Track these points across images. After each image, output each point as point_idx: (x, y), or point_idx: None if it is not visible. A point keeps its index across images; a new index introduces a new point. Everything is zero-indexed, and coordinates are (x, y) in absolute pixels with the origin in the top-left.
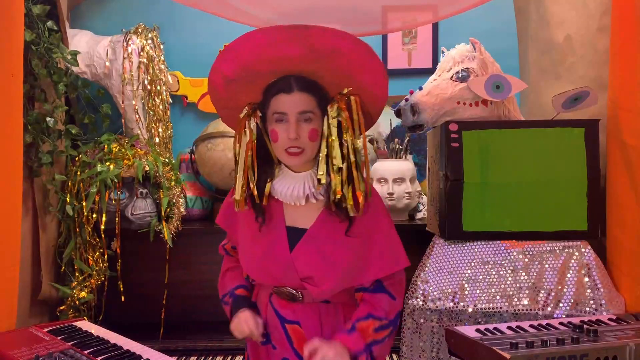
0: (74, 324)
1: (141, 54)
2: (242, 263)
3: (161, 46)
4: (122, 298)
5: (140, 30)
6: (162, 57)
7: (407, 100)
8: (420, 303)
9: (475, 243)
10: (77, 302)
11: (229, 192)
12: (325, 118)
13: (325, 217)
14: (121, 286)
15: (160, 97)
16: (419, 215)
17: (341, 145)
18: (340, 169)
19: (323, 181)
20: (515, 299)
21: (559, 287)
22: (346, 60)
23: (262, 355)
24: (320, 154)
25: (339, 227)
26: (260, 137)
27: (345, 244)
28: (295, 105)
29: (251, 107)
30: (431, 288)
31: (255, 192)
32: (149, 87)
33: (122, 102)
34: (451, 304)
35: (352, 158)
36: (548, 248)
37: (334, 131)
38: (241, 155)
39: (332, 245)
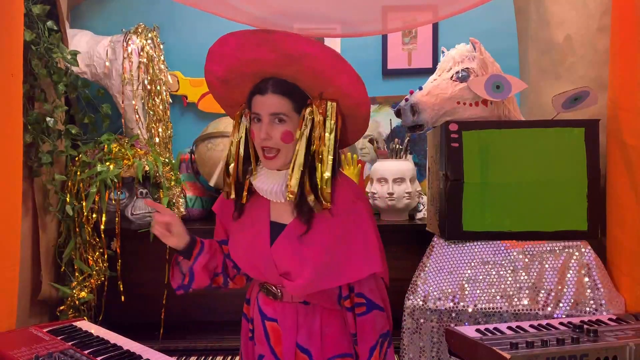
0: (74, 324)
1: (141, 54)
2: (231, 253)
3: (161, 46)
4: (122, 298)
5: (140, 30)
6: (162, 57)
7: (407, 100)
8: (420, 303)
9: (475, 243)
10: (77, 302)
11: None
12: (300, 121)
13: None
14: (121, 286)
15: (160, 97)
16: (419, 215)
17: (309, 146)
18: (302, 170)
19: (290, 183)
20: (515, 299)
21: (559, 287)
22: (316, 65)
23: (249, 351)
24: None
25: (316, 225)
26: (247, 135)
27: (318, 242)
28: (268, 107)
29: (243, 107)
30: (431, 288)
31: (232, 187)
32: (149, 87)
33: (122, 102)
34: (451, 304)
35: (320, 157)
36: (548, 248)
37: (305, 132)
38: (230, 150)
39: (307, 241)
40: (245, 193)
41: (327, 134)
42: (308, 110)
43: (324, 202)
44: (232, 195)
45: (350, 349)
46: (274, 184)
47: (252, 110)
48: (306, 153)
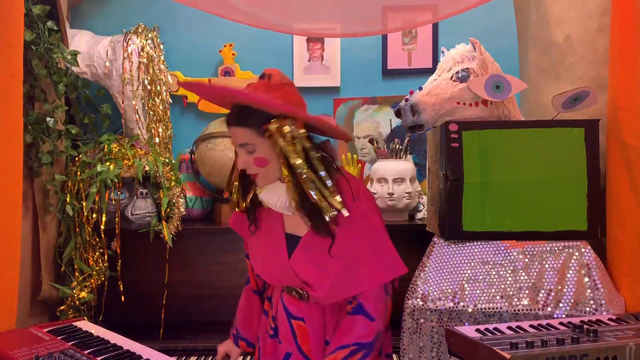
0: (74, 324)
1: (141, 54)
2: (253, 265)
3: (161, 46)
4: (122, 298)
5: (140, 30)
6: (162, 57)
7: (407, 100)
8: (420, 303)
9: (475, 243)
10: (77, 302)
11: None
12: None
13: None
14: (121, 286)
15: (160, 97)
16: (419, 215)
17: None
18: (296, 186)
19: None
20: (515, 299)
21: (559, 287)
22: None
23: (269, 349)
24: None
25: (325, 241)
26: None
27: (335, 253)
28: (235, 139)
29: None
30: (431, 288)
31: (236, 201)
32: (149, 87)
33: (122, 102)
34: (451, 304)
35: (299, 177)
36: (548, 248)
37: (277, 151)
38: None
39: (323, 253)
40: (244, 202)
41: (291, 147)
42: (267, 132)
43: (327, 209)
44: (238, 207)
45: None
46: (279, 198)
47: None
48: (291, 168)
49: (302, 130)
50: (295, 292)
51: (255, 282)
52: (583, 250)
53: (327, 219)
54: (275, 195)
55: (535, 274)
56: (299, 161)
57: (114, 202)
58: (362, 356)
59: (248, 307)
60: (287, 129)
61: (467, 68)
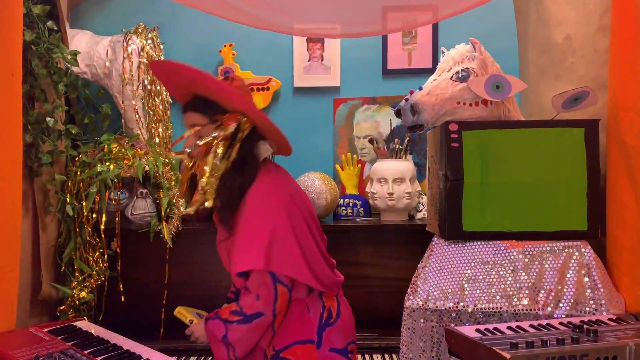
0: (74, 324)
1: (141, 54)
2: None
3: (161, 46)
4: (122, 298)
5: (140, 30)
6: (162, 57)
7: (407, 100)
8: (420, 303)
9: (475, 243)
10: (77, 302)
11: None
12: None
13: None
14: (121, 286)
15: (160, 97)
16: (419, 215)
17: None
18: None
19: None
20: (515, 299)
21: (559, 287)
22: (203, 87)
23: None
24: None
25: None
26: None
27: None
28: (187, 120)
29: None
30: (431, 288)
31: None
32: (149, 87)
33: (122, 102)
34: (451, 304)
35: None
36: (548, 248)
37: (215, 147)
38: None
39: (229, 243)
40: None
41: (233, 147)
42: (217, 124)
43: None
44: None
45: (311, 335)
46: None
47: None
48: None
49: (245, 130)
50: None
51: None
52: (583, 250)
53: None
54: None
55: (535, 274)
56: (215, 156)
57: (114, 202)
58: (239, 320)
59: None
60: (233, 124)
61: (467, 68)
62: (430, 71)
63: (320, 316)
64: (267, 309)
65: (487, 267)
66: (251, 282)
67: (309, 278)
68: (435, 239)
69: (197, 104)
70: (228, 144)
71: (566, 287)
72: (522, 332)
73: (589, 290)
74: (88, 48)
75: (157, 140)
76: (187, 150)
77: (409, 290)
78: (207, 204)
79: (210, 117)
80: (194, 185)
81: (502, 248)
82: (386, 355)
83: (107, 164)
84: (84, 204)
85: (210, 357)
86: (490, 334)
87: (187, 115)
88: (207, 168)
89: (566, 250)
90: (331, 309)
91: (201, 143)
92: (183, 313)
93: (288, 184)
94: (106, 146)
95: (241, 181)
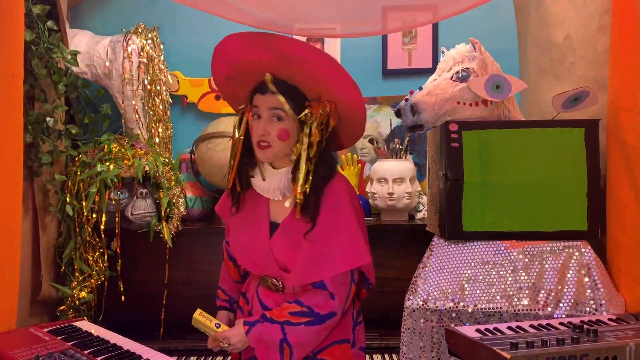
0: (74, 324)
1: (141, 54)
2: (232, 251)
3: (161, 46)
4: (122, 298)
5: (140, 30)
6: (162, 57)
7: (407, 100)
8: (420, 303)
9: (475, 243)
10: (77, 302)
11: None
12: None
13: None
14: (121, 286)
15: (160, 97)
16: (419, 215)
17: (310, 147)
18: (307, 171)
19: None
20: (515, 299)
21: (559, 287)
22: (311, 69)
23: None
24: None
25: (306, 226)
26: (248, 132)
27: (310, 235)
28: (267, 102)
29: (245, 105)
30: (431, 288)
31: (235, 180)
32: (149, 87)
33: (122, 102)
34: (451, 304)
35: (315, 159)
36: (548, 248)
37: (306, 134)
38: (233, 146)
39: (300, 235)
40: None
41: (319, 137)
42: (306, 112)
43: (317, 199)
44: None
45: (347, 335)
46: (271, 182)
47: (253, 107)
48: (307, 155)
49: (331, 123)
50: (271, 282)
51: (236, 271)
52: (583, 250)
53: (287, 205)
54: (267, 180)
55: (535, 274)
56: (323, 150)
57: (114, 202)
58: (308, 322)
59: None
60: (327, 115)
61: (467, 68)
62: (430, 71)
63: (353, 315)
64: (340, 309)
65: (487, 267)
66: (333, 281)
67: (374, 277)
68: (435, 239)
69: (281, 87)
70: (318, 132)
71: (566, 287)
72: (522, 332)
73: (589, 290)
74: (88, 48)
75: (157, 140)
76: (262, 134)
77: (409, 290)
78: (306, 192)
79: (295, 101)
80: (246, 171)
81: (502, 248)
82: (386, 355)
83: (107, 164)
84: (84, 204)
85: (211, 357)
86: (490, 334)
87: (266, 97)
88: (303, 154)
89: (566, 250)
90: (359, 308)
91: (286, 128)
92: (206, 316)
93: None
94: (106, 146)
95: (325, 171)
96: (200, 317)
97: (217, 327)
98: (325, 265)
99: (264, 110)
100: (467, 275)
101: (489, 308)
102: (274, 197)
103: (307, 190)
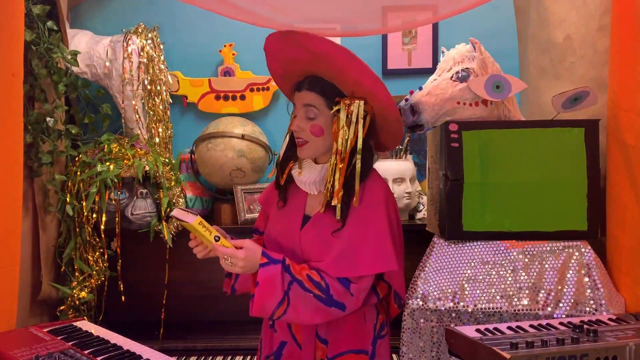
0: (74, 324)
1: (141, 54)
2: (265, 238)
3: (161, 46)
4: (122, 298)
5: (140, 30)
6: (162, 57)
7: (407, 100)
8: (420, 303)
9: (475, 243)
10: (77, 302)
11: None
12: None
13: (330, 207)
14: (121, 286)
15: (160, 97)
16: (419, 215)
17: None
18: (340, 168)
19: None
20: (515, 299)
21: (559, 287)
22: (335, 63)
23: (267, 338)
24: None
25: (337, 222)
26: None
27: (341, 232)
28: (301, 99)
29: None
30: (431, 288)
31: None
32: (149, 87)
33: (122, 102)
34: (451, 304)
35: (345, 157)
36: (548, 248)
37: (340, 131)
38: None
39: (330, 230)
40: (283, 178)
41: (351, 133)
42: (337, 107)
43: (354, 198)
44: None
45: (365, 346)
46: (309, 176)
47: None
48: (337, 150)
49: (367, 119)
50: None
51: None
52: (583, 250)
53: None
54: (306, 174)
55: (535, 274)
56: (357, 146)
57: (114, 202)
58: (318, 295)
59: None
60: (358, 111)
61: (467, 68)
62: (430, 71)
63: (374, 327)
64: (351, 307)
65: (487, 267)
66: (362, 284)
67: (404, 291)
68: (435, 239)
69: (314, 84)
70: (349, 128)
71: (566, 287)
72: (522, 332)
73: (589, 290)
74: (88, 48)
75: (157, 140)
76: (297, 130)
77: (408, 290)
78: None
79: (328, 98)
80: (287, 164)
81: (502, 248)
82: None
83: (107, 164)
84: (84, 204)
85: (211, 357)
86: (490, 334)
87: (301, 94)
88: (340, 149)
89: (566, 250)
90: (384, 321)
91: (320, 124)
92: (206, 226)
93: None
94: (106, 146)
95: (360, 169)
96: (199, 227)
97: (217, 240)
98: (349, 263)
99: (299, 107)
100: (467, 275)
101: (489, 308)
102: (310, 191)
103: (337, 186)
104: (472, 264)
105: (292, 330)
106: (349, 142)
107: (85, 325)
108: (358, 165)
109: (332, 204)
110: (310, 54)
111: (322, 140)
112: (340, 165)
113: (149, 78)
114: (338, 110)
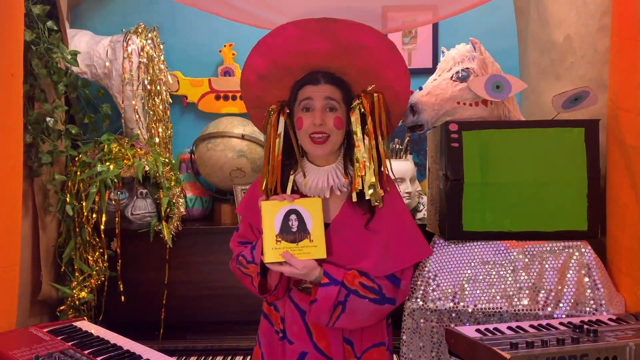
0: (74, 324)
1: (141, 54)
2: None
3: (161, 46)
4: (122, 298)
5: (140, 30)
6: (162, 57)
7: None
8: (420, 303)
9: (475, 243)
10: (77, 302)
11: (252, 183)
12: (350, 113)
13: (347, 208)
14: (121, 286)
15: (160, 97)
16: (419, 215)
17: (363, 139)
18: (364, 163)
19: (357, 174)
20: (515, 299)
21: (559, 287)
22: (371, 56)
23: (279, 352)
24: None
25: (362, 218)
26: (286, 134)
27: (370, 234)
28: (322, 92)
29: (279, 105)
30: (431, 288)
31: (278, 183)
32: (149, 87)
33: (122, 102)
34: (451, 304)
35: (374, 153)
36: (548, 248)
37: (358, 126)
38: (270, 150)
39: (356, 233)
40: (289, 188)
41: (373, 128)
42: (358, 102)
43: (377, 197)
44: (279, 191)
45: (384, 338)
46: (317, 180)
47: (303, 99)
48: (364, 145)
49: (383, 114)
50: (308, 289)
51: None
52: (583, 250)
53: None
54: (311, 179)
55: (535, 274)
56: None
57: (114, 202)
58: (373, 299)
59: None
60: (377, 105)
61: (467, 68)
62: (430, 71)
63: (386, 318)
64: (401, 299)
65: (487, 267)
66: (407, 276)
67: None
68: (435, 239)
69: (330, 78)
70: (371, 123)
71: (566, 287)
72: (522, 332)
73: (589, 291)
74: (88, 48)
75: (157, 140)
76: (320, 123)
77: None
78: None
79: (344, 92)
80: (288, 172)
81: (502, 248)
82: None
83: (107, 164)
84: (84, 204)
85: (211, 357)
86: (490, 334)
87: (320, 87)
88: (360, 145)
89: (566, 250)
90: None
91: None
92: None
93: None
94: (106, 146)
95: (379, 163)
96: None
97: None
98: (392, 259)
99: (319, 101)
100: (467, 275)
101: (489, 308)
102: (320, 195)
103: (373, 179)
104: (472, 264)
105: (314, 338)
106: (372, 137)
107: (85, 325)
108: (383, 155)
109: (379, 195)
110: (333, 46)
111: (341, 134)
112: (368, 157)
113: (149, 78)
114: (358, 104)
